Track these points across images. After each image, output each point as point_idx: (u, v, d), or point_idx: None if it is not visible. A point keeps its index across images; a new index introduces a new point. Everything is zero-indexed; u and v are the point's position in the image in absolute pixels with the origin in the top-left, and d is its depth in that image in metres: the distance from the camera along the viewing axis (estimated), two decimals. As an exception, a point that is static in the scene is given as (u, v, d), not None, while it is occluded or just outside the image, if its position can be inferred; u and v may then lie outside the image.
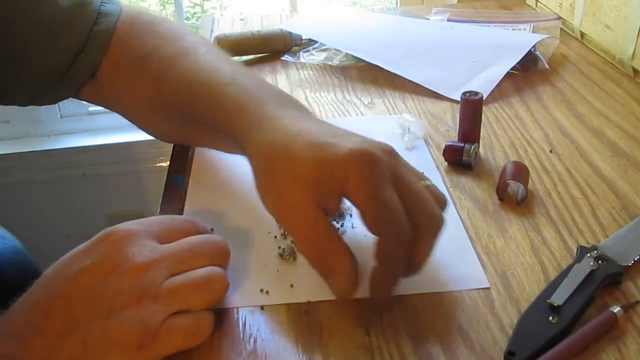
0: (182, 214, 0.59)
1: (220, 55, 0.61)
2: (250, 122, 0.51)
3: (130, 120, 0.67)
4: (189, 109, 0.58)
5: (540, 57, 0.88)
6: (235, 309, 0.47)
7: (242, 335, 0.45)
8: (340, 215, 0.57)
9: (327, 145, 0.46)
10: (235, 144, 0.53)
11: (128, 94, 0.63)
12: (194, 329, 0.43)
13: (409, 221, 0.44)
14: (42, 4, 0.61)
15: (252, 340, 0.45)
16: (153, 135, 0.67)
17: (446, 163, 0.65)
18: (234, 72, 0.57)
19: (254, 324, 0.46)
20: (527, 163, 0.63)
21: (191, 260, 0.44)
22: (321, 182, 0.45)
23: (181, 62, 0.59)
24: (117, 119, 0.69)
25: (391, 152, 0.47)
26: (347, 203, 0.58)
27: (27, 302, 0.42)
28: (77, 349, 0.40)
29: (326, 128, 0.49)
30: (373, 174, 0.44)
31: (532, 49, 0.88)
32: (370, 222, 0.45)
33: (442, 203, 0.49)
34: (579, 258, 0.50)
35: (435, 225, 0.47)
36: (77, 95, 0.66)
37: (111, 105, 0.67)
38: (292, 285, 0.49)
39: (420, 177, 0.49)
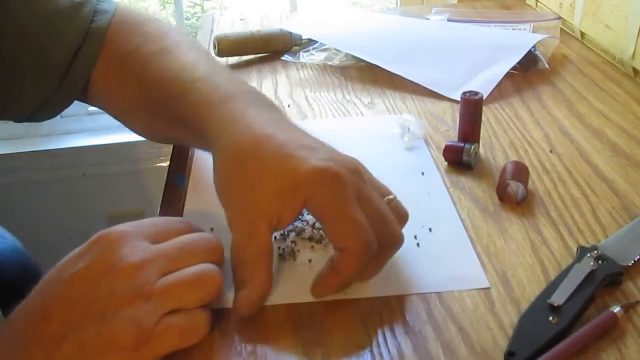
0: (182, 214, 0.59)
1: (201, 53, 0.61)
2: (218, 120, 0.51)
3: (119, 120, 0.67)
4: (166, 106, 0.58)
5: (540, 57, 0.88)
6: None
7: (242, 336, 0.45)
8: None
9: (294, 158, 0.46)
10: (203, 140, 0.53)
11: (115, 93, 0.64)
12: (190, 328, 0.42)
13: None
14: (42, 3, 0.61)
15: (252, 340, 0.45)
16: (140, 135, 0.68)
17: (446, 163, 0.65)
18: (209, 69, 0.57)
19: (254, 324, 0.46)
20: (527, 163, 0.63)
21: (184, 259, 0.44)
22: (283, 195, 0.45)
23: (161, 59, 0.60)
24: (117, 118, 0.69)
25: (356, 169, 0.48)
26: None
27: (25, 308, 0.42)
28: (74, 353, 0.40)
29: (295, 136, 0.49)
30: (337, 192, 0.45)
31: (532, 49, 0.88)
32: (336, 238, 0.45)
33: (402, 219, 0.50)
34: (579, 258, 0.49)
35: (393, 244, 0.48)
36: (80, 96, 0.66)
37: (103, 104, 0.67)
38: (292, 285, 0.49)
39: (384, 192, 0.50)
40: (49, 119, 0.67)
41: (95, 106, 0.68)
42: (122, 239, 0.43)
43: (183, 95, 0.55)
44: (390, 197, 0.50)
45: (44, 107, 0.64)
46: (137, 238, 0.44)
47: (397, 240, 0.48)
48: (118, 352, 0.40)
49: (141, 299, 0.41)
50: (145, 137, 0.68)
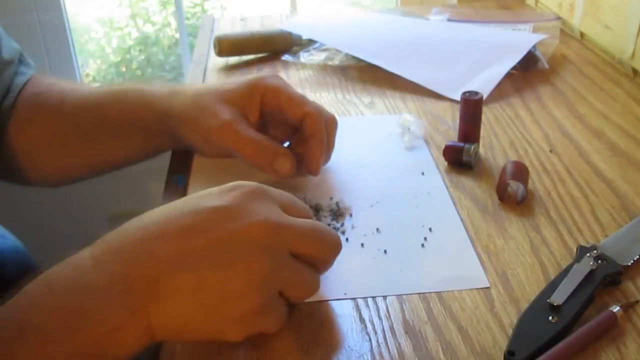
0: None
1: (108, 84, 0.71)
2: (162, 98, 0.63)
3: (25, 168, 0.68)
4: (96, 114, 0.65)
5: (540, 57, 0.88)
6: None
7: (242, 335, 0.45)
8: (340, 215, 0.57)
9: (236, 82, 0.61)
10: (146, 132, 0.64)
11: (29, 129, 0.66)
12: (312, 282, 0.44)
13: None
14: None
15: (253, 340, 0.45)
16: (36, 180, 0.70)
17: (446, 163, 0.65)
18: (125, 84, 0.67)
19: (254, 323, 0.46)
20: (527, 163, 0.63)
21: (311, 241, 0.44)
22: (242, 100, 0.60)
23: (79, 90, 0.67)
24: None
25: (279, 76, 0.63)
26: (346, 203, 0.58)
27: (141, 223, 0.42)
28: (192, 286, 0.39)
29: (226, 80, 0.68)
30: (280, 82, 0.61)
31: (532, 49, 0.88)
32: (297, 110, 0.59)
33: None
34: (578, 258, 0.50)
35: (333, 122, 0.62)
36: None
37: (12, 150, 0.67)
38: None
39: None
40: None
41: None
42: (263, 195, 0.43)
43: (116, 97, 0.64)
44: None
45: None
46: (274, 201, 0.44)
47: (333, 118, 0.62)
48: (239, 301, 0.40)
49: (271, 256, 0.41)
50: (52, 180, 0.71)
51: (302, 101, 0.60)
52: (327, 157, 0.62)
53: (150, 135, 0.65)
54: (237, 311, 0.40)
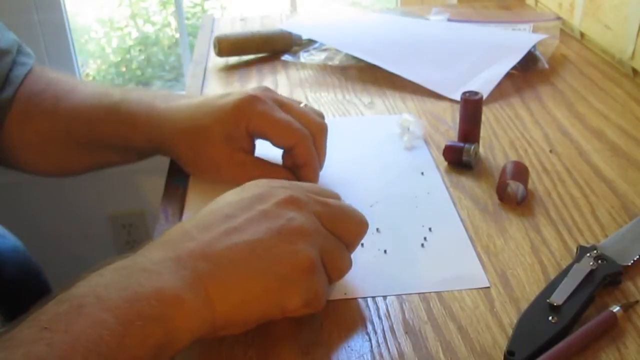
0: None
1: (106, 85, 0.71)
2: (152, 124, 0.61)
3: (26, 164, 0.69)
4: (88, 130, 0.64)
5: (540, 57, 0.88)
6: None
7: (244, 336, 0.45)
8: None
9: (219, 105, 0.59)
10: (141, 150, 0.65)
11: (26, 128, 0.66)
12: (346, 262, 0.46)
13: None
14: None
15: (253, 340, 0.45)
16: (37, 172, 0.72)
17: (446, 163, 0.65)
18: (122, 91, 0.66)
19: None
20: (527, 163, 0.63)
21: (340, 219, 0.47)
22: (230, 135, 0.58)
23: (74, 94, 0.66)
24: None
25: (266, 88, 0.61)
26: (346, 203, 0.58)
27: (177, 226, 0.44)
28: (241, 253, 0.41)
29: (211, 97, 0.62)
30: (262, 107, 0.58)
31: (532, 49, 0.88)
32: (282, 141, 0.58)
33: (320, 115, 0.63)
34: (578, 258, 0.50)
35: (321, 131, 0.60)
36: None
37: (10, 146, 0.68)
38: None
39: (297, 101, 0.62)
40: None
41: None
42: (292, 185, 0.47)
43: (108, 116, 0.63)
44: (302, 104, 0.62)
45: None
46: (303, 189, 0.47)
47: (322, 127, 0.60)
48: (291, 259, 0.42)
49: (310, 221, 0.44)
50: (52, 175, 0.73)
51: (288, 128, 0.58)
52: (320, 165, 0.61)
53: (145, 154, 0.66)
54: (292, 270, 0.42)
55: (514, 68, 0.85)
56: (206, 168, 0.61)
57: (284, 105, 0.59)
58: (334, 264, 0.45)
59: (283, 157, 0.61)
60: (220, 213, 0.44)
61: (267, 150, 0.61)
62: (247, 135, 0.59)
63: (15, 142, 0.67)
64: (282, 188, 0.46)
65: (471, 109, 0.66)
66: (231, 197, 0.46)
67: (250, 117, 0.58)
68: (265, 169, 0.60)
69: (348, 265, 0.47)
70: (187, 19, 1.84)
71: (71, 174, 0.73)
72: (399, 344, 0.44)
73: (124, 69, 1.87)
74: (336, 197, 0.49)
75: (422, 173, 0.64)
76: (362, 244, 0.53)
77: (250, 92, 0.59)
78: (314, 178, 0.60)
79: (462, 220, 0.57)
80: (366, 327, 0.46)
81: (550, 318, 0.44)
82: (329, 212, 0.46)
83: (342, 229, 0.46)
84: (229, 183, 0.52)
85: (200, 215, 0.45)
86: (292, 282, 0.42)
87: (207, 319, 0.40)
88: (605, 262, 0.49)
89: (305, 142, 0.58)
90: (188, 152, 0.61)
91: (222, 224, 0.43)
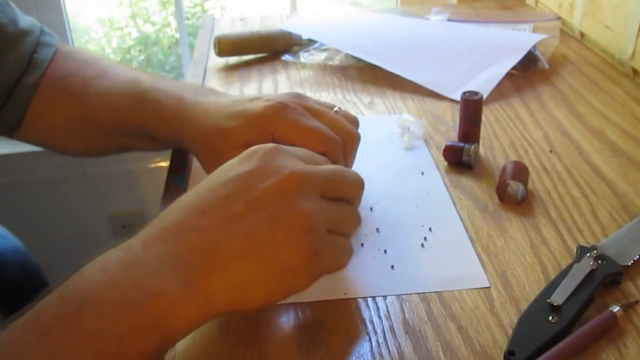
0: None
1: (138, 70, 0.68)
2: (177, 118, 0.60)
3: (51, 142, 0.70)
4: (114, 118, 0.64)
5: (540, 57, 0.88)
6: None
7: (244, 336, 0.45)
8: None
9: (246, 110, 0.57)
10: (165, 141, 0.63)
11: (52, 111, 0.66)
12: (346, 249, 0.46)
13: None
14: None
15: (253, 340, 0.45)
16: (64, 153, 0.71)
17: (446, 163, 0.65)
18: (152, 79, 0.65)
19: (255, 324, 0.46)
20: (527, 163, 0.63)
21: (337, 184, 0.46)
22: (252, 141, 0.52)
23: (103, 79, 0.66)
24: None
25: (297, 95, 0.58)
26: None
27: (178, 205, 0.43)
28: (242, 244, 0.41)
29: (240, 98, 0.60)
30: (290, 116, 0.55)
31: (532, 49, 0.88)
32: (309, 148, 0.52)
33: (353, 121, 0.60)
34: (578, 258, 0.50)
35: (352, 139, 0.58)
36: (16, 129, 0.68)
37: (35, 126, 0.68)
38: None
39: (329, 106, 0.60)
40: None
41: (23, 139, 0.70)
42: (282, 152, 0.45)
43: (135, 105, 0.62)
44: (336, 108, 0.60)
45: None
46: (293, 155, 0.46)
47: (354, 135, 0.58)
48: (292, 248, 0.41)
49: (308, 201, 0.43)
50: (79, 155, 0.73)
51: (316, 135, 0.55)
52: None
53: (169, 145, 0.66)
54: (293, 258, 0.41)
55: (514, 68, 0.85)
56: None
57: (314, 111, 0.57)
58: (342, 226, 0.46)
59: None
60: (220, 193, 0.43)
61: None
62: (272, 142, 0.58)
63: (42, 124, 0.67)
64: (281, 159, 0.45)
65: (471, 109, 0.66)
66: (232, 170, 0.44)
67: (276, 125, 0.55)
68: None
69: (357, 221, 0.48)
70: (187, 19, 1.84)
71: (98, 155, 0.73)
72: (399, 344, 0.44)
73: (124, 69, 1.87)
74: (326, 163, 0.49)
75: (422, 173, 0.64)
76: (362, 244, 0.54)
77: (279, 99, 0.57)
78: None
79: (462, 220, 0.57)
80: (366, 327, 0.46)
81: (550, 318, 0.44)
82: (326, 180, 0.46)
83: (341, 190, 0.47)
84: None
85: (200, 192, 0.44)
86: (295, 270, 0.42)
87: (206, 314, 0.40)
88: (605, 262, 0.49)
89: (334, 149, 0.55)
90: (208, 152, 0.59)
91: (223, 207, 0.42)
